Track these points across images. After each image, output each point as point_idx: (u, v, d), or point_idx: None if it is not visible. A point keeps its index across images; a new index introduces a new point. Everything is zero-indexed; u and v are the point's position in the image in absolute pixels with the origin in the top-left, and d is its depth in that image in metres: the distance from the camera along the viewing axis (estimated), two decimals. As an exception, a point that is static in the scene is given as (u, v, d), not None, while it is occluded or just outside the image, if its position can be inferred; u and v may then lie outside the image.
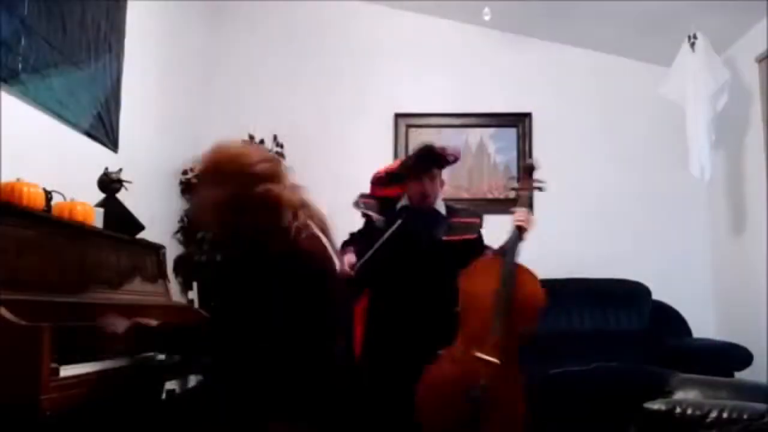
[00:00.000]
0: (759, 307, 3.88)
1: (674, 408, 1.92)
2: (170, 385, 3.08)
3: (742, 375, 3.52)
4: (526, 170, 3.23)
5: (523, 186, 3.17)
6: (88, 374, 1.93)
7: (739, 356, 3.58)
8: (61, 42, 2.86)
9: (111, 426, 2.43)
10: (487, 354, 2.75)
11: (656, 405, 1.96)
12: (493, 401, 2.70)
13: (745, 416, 1.81)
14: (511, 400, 2.75)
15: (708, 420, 1.84)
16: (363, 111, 4.79)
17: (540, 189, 3.17)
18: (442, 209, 3.23)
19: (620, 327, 4.24)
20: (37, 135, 2.65)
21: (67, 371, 1.83)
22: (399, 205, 3.23)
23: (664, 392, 2.19)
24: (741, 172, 4.20)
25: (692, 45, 4.07)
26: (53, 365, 1.76)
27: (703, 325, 4.29)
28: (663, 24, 4.20)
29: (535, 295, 2.89)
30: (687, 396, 2.13)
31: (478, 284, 2.87)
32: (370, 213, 3.19)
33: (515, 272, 2.89)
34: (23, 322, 1.75)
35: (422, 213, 3.15)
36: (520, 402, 2.76)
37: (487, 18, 4.40)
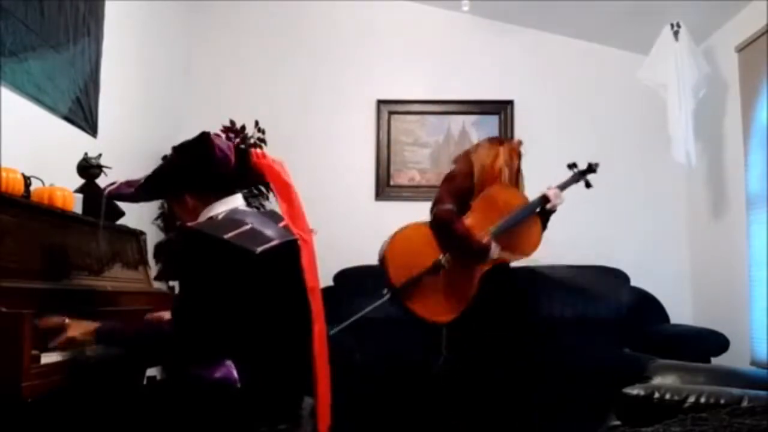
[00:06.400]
0: (736, 294, 3.94)
1: (653, 393, 1.94)
2: (151, 371, 3.08)
3: (718, 360, 3.57)
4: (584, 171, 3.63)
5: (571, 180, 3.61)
6: (69, 361, 1.92)
7: (716, 342, 3.63)
8: (39, 25, 2.80)
9: (92, 412, 2.42)
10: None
11: (635, 390, 1.98)
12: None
13: (722, 401, 1.83)
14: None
15: (686, 405, 1.86)
16: (345, 97, 4.77)
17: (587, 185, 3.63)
18: None
19: (599, 313, 4.28)
20: (15, 119, 2.60)
21: (48, 358, 1.83)
22: None
23: (643, 377, 2.21)
24: (719, 159, 4.24)
25: (675, 34, 4.09)
26: (34, 352, 1.76)
27: (681, 312, 4.35)
28: (644, 13, 4.21)
29: (534, 239, 3.37)
30: (665, 381, 2.15)
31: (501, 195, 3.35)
32: None
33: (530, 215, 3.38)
34: (3, 309, 1.73)
35: None
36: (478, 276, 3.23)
37: (465, 9, 4.39)
